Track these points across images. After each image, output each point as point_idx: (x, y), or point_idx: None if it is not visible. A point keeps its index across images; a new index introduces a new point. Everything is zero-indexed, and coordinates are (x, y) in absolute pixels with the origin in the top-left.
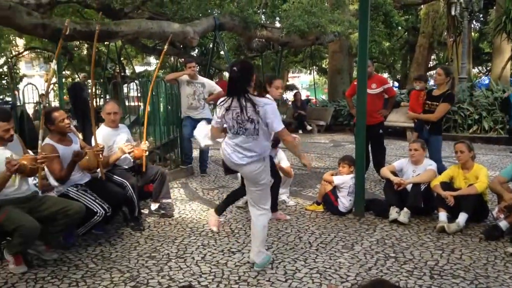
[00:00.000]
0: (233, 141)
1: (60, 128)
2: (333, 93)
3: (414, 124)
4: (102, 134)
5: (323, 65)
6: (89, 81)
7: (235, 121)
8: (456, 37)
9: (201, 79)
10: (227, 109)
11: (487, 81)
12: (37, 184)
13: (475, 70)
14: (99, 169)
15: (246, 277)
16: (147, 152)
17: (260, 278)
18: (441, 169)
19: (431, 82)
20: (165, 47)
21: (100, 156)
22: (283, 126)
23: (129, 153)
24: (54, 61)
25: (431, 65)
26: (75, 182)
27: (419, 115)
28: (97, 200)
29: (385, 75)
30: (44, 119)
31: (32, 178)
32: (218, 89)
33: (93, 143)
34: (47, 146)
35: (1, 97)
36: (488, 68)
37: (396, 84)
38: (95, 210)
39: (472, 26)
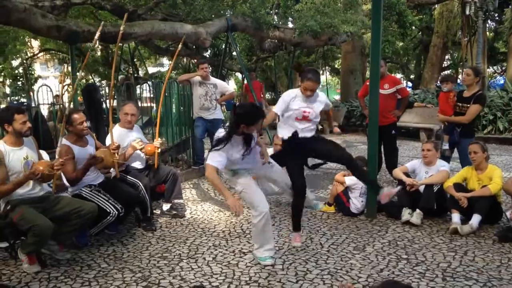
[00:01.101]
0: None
1: (77, 130)
2: (346, 93)
3: (443, 126)
4: (116, 134)
5: (336, 66)
6: (103, 82)
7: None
8: (470, 37)
9: (213, 80)
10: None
11: (502, 81)
12: (51, 185)
13: (490, 70)
14: (112, 169)
15: (257, 278)
16: (159, 149)
17: (271, 279)
18: None
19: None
20: (179, 47)
21: (116, 155)
22: None
23: (140, 149)
24: (81, 71)
25: (445, 65)
26: (89, 182)
27: (450, 117)
28: (110, 201)
29: (399, 75)
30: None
31: None
32: (230, 90)
33: (107, 142)
34: (63, 146)
35: (17, 98)
36: (503, 68)
37: (410, 84)
38: (108, 211)
39: (487, 25)
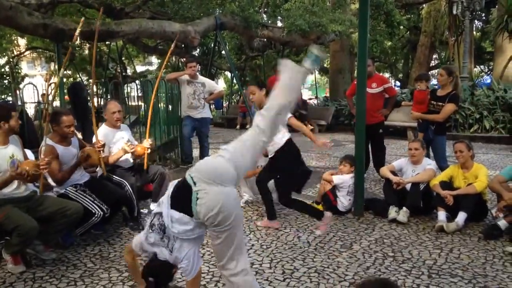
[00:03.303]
0: None
1: (64, 132)
2: (335, 92)
3: (418, 124)
4: (102, 133)
5: (325, 65)
6: (90, 80)
7: None
8: (457, 36)
9: (202, 78)
10: None
11: (489, 80)
12: (37, 185)
13: (476, 69)
14: (98, 168)
15: None
16: (149, 150)
17: (258, 278)
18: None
19: (434, 81)
20: (172, 46)
21: (101, 153)
22: None
23: (131, 152)
24: (62, 70)
25: (433, 64)
26: (75, 182)
27: (425, 115)
28: (95, 201)
29: (387, 74)
30: (51, 118)
31: None
32: (218, 88)
33: (93, 141)
34: (47, 147)
35: (3, 96)
36: (490, 67)
37: (398, 83)
38: (94, 211)
39: (474, 25)
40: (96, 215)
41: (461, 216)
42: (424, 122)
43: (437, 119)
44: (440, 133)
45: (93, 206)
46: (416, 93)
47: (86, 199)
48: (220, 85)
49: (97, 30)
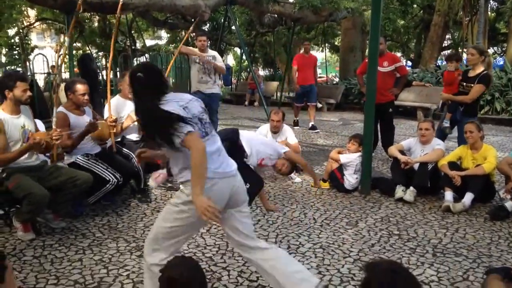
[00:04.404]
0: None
1: (78, 100)
2: (345, 71)
3: (447, 105)
4: (114, 104)
5: (336, 43)
6: (100, 53)
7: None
8: (472, 16)
9: (211, 52)
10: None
11: (501, 62)
12: (48, 155)
13: (490, 51)
14: (108, 140)
15: None
16: None
17: None
18: None
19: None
20: (191, 27)
21: (113, 128)
22: None
23: (137, 121)
24: (66, 38)
25: (446, 45)
26: (86, 151)
27: (453, 96)
28: (109, 169)
29: (398, 54)
30: (66, 86)
31: None
32: (223, 65)
33: (105, 114)
34: (59, 113)
35: (13, 67)
36: (503, 48)
37: (409, 63)
38: (108, 179)
39: (489, 5)
40: (110, 182)
41: (468, 197)
42: (453, 103)
43: (465, 100)
44: (468, 115)
45: (107, 173)
46: (445, 74)
47: (99, 167)
48: (229, 61)
49: (120, 5)
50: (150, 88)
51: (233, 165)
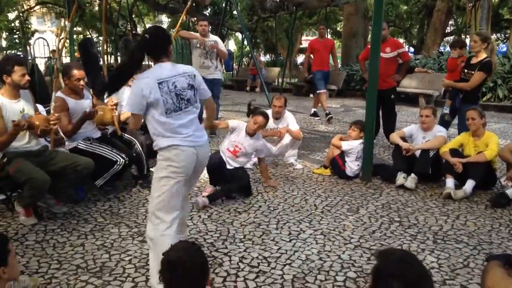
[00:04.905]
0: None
1: (74, 85)
2: (347, 57)
3: (449, 92)
4: None
5: (338, 28)
6: (101, 38)
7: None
8: (475, 2)
9: (212, 37)
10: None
11: (504, 49)
12: (48, 139)
13: (493, 37)
14: (110, 126)
15: (251, 236)
16: None
17: (265, 238)
18: None
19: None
20: (187, 5)
21: (115, 111)
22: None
23: None
24: (67, 23)
25: (448, 31)
26: (88, 135)
27: (454, 83)
28: (114, 150)
29: (401, 40)
30: (63, 71)
31: None
32: (225, 50)
33: (106, 99)
34: (57, 98)
35: (13, 51)
36: (506, 35)
37: (412, 49)
38: (115, 159)
39: None
40: (118, 163)
41: (469, 184)
42: (453, 90)
43: (465, 87)
44: (468, 102)
45: (114, 154)
46: (448, 60)
47: (103, 148)
48: (230, 47)
49: None
50: (151, 49)
51: (202, 136)
